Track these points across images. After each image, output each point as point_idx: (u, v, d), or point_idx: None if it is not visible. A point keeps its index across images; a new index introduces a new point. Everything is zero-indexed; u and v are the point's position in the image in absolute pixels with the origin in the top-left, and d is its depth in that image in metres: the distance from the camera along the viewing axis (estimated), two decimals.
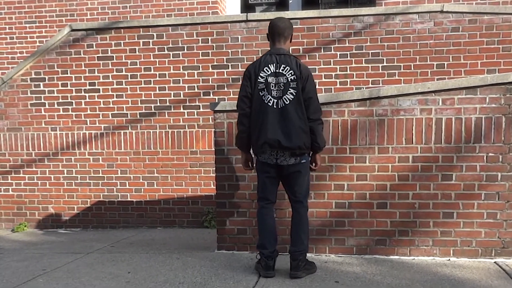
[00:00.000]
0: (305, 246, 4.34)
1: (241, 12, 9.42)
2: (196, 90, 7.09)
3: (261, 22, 6.85)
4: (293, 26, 4.52)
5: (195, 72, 7.07)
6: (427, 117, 4.82)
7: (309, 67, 4.54)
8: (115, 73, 7.23)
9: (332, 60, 6.81)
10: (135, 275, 4.57)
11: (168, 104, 7.14)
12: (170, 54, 7.11)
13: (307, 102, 4.18)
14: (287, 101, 4.17)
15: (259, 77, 4.23)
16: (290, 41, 4.40)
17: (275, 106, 4.19)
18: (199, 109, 7.08)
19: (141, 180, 7.23)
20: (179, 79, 7.11)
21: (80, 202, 7.37)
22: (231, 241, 5.21)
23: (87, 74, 7.28)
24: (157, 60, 7.14)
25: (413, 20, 6.65)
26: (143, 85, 7.18)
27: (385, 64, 6.72)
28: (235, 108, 4.91)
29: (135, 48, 7.17)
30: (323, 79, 6.73)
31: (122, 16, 9.07)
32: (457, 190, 4.82)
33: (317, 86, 4.55)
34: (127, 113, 7.22)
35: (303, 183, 4.35)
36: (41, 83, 7.35)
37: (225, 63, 7.01)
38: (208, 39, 7.02)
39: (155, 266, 4.83)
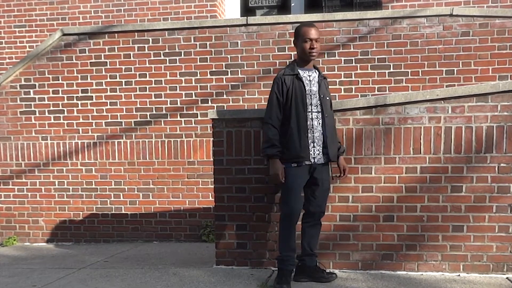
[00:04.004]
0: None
1: (241, 16, 9.47)
2: (193, 97, 7.13)
3: (262, 26, 6.91)
4: (295, 30, 4.61)
5: (193, 78, 7.11)
6: (436, 126, 4.86)
7: None
8: (108, 79, 7.27)
9: (336, 66, 6.85)
10: None
11: (164, 112, 7.18)
12: (166, 59, 7.15)
13: None
14: None
15: None
16: (297, 47, 4.61)
17: None
18: (197, 117, 7.12)
19: (136, 192, 7.25)
20: (176, 86, 7.15)
21: (72, 215, 7.39)
22: (230, 255, 5.24)
23: (79, 81, 7.32)
24: (152, 66, 7.18)
25: (421, 24, 6.69)
26: (138, 92, 7.22)
27: (391, 70, 6.75)
28: (235, 117, 4.99)
29: (130, 54, 7.21)
30: None
31: (116, 20, 9.14)
32: (467, 202, 4.86)
33: None
34: (121, 122, 7.26)
35: None
36: (31, 90, 7.40)
37: (224, 69, 7.05)
38: (206, 44, 7.07)
39: (150, 282, 4.86)
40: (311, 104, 4.49)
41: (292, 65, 4.59)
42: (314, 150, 4.48)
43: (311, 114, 4.49)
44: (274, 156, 4.47)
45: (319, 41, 4.54)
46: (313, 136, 4.47)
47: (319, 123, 4.50)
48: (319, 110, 4.50)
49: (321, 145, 4.51)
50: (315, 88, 4.53)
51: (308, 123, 4.47)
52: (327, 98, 4.58)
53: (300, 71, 4.53)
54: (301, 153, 4.45)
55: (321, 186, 4.58)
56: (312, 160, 4.49)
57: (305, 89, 4.49)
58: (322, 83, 4.58)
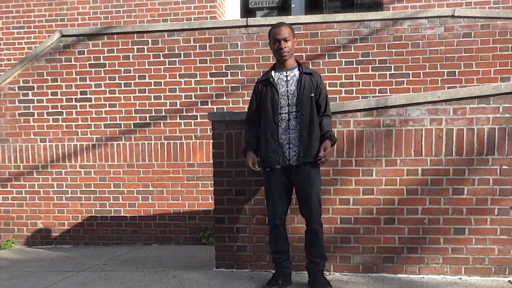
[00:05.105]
0: None
1: (241, 17, 9.49)
2: (193, 99, 7.13)
3: (262, 27, 6.91)
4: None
5: (192, 80, 7.12)
6: (437, 128, 4.87)
7: None
8: (107, 81, 7.28)
9: (337, 67, 6.86)
10: None
11: (163, 114, 7.19)
12: (165, 61, 7.16)
13: None
14: None
15: None
16: (271, 50, 4.63)
17: None
18: (197, 119, 7.12)
19: (135, 194, 7.26)
20: (176, 88, 7.16)
21: (71, 218, 7.39)
22: (230, 258, 5.24)
23: (78, 82, 7.33)
24: (152, 67, 7.19)
25: (422, 25, 6.70)
26: (137, 94, 7.23)
27: (392, 71, 6.76)
28: (235, 119, 5.00)
29: (129, 55, 7.23)
30: (328, 88, 6.69)
31: (115, 21, 9.15)
32: (469, 204, 4.86)
33: None
34: (121, 124, 7.26)
35: None
36: (30, 92, 7.41)
37: (224, 70, 7.06)
38: (206, 45, 7.08)
39: (150, 285, 4.86)
40: (288, 105, 4.46)
41: (268, 69, 4.66)
42: (289, 151, 4.45)
43: (288, 115, 4.46)
44: (247, 150, 4.65)
45: (289, 40, 4.45)
46: (289, 137, 4.45)
47: (298, 123, 4.45)
48: (298, 109, 4.46)
49: (298, 146, 4.45)
50: (293, 87, 4.49)
51: (284, 124, 4.46)
52: (311, 95, 4.46)
53: (276, 74, 4.56)
54: (268, 157, 4.48)
55: (301, 189, 4.49)
56: (287, 162, 4.46)
57: (277, 92, 4.48)
58: (303, 80, 4.48)
